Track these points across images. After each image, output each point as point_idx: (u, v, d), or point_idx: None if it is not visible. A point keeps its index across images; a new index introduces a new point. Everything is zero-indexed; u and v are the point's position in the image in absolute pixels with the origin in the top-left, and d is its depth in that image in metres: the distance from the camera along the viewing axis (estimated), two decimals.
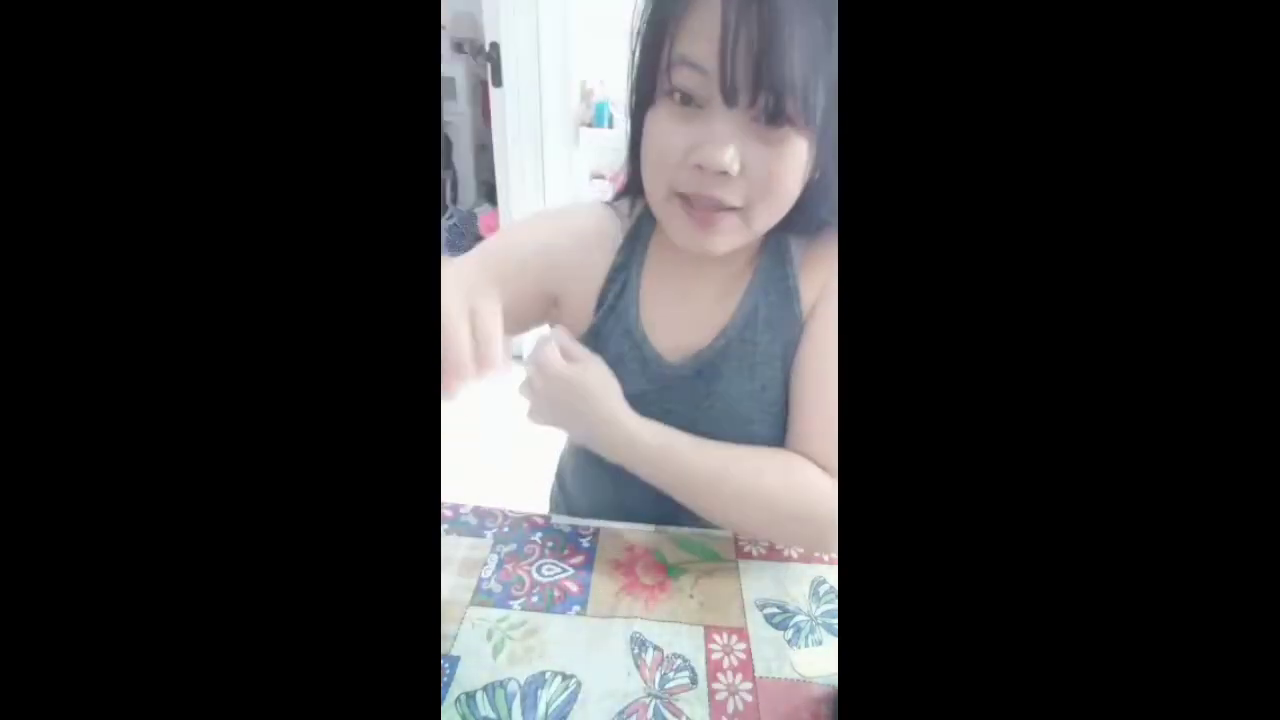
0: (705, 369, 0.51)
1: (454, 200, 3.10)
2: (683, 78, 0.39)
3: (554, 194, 2.07)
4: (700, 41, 0.38)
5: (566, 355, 0.47)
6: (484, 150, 3.12)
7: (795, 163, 0.41)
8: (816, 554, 0.53)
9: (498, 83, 1.95)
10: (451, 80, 3.08)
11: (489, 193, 2.85)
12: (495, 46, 1.90)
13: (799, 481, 0.47)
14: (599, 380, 0.47)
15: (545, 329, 0.57)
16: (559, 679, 0.41)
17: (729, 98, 0.38)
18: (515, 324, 0.56)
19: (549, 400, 0.47)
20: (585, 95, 2.23)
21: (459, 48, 3.04)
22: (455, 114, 3.16)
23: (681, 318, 0.53)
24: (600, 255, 0.54)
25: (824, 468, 0.48)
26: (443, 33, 2.89)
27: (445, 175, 3.13)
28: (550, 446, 0.72)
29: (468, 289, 0.32)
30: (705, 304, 0.52)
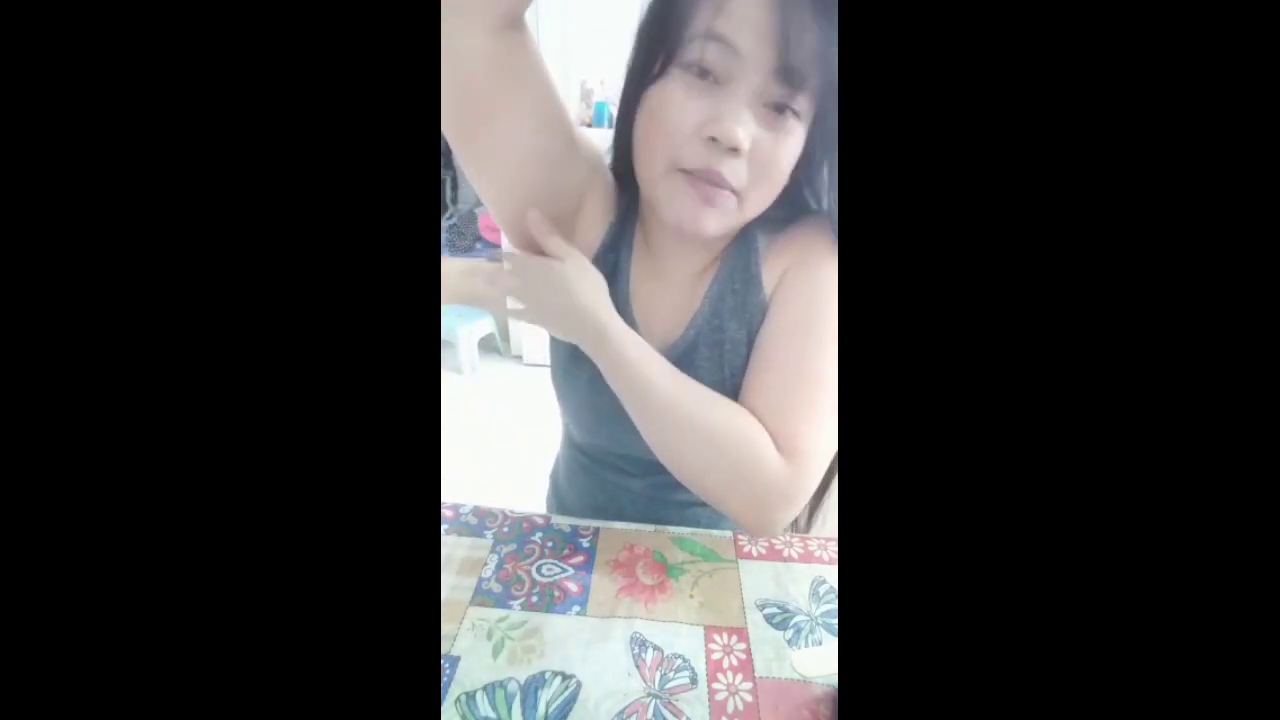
0: (681, 359, 0.52)
1: (454, 200, 3.09)
2: (711, 53, 0.40)
3: None
4: (740, 25, 0.39)
5: (549, 250, 0.48)
6: None
7: (794, 150, 0.43)
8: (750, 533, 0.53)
9: None
10: None
11: None
12: None
13: (753, 439, 0.45)
14: (579, 270, 0.47)
15: None
16: (559, 679, 0.41)
17: (783, 76, 0.39)
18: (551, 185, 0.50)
19: (531, 295, 0.48)
20: (585, 95, 2.23)
21: None
22: None
23: (663, 307, 0.53)
24: (596, 221, 0.52)
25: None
26: None
27: (445, 175, 3.12)
28: (550, 446, 0.72)
29: None
30: (678, 296, 0.53)
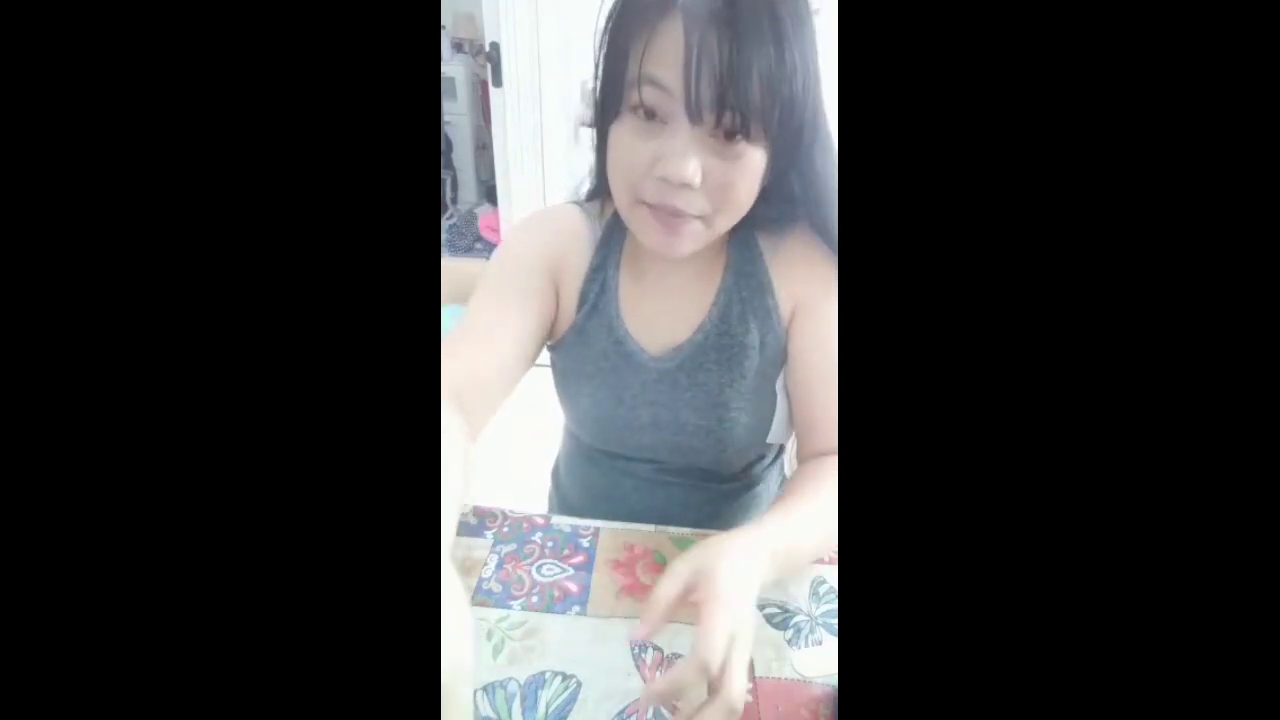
0: (686, 362, 0.53)
1: (454, 200, 3.09)
2: (647, 96, 0.41)
3: (554, 194, 2.07)
4: (664, 63, 0.40)
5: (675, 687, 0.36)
6: (484, 150, 3.12)
7: (751, 173, 0.43)
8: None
9: (498, 83, 1.95)
10: (451, 80, 3.08)
11: (489, 193, 2.85)
12: (495, 46, 1.90)
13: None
14: (728, 629, 0.36)
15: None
16: (559, 679, 0.41)
17: (694, 117, 0.40)
18: (545, 330, 0.56)
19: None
20: (585, 95, 2.23)
21: (459, 48, 3.04)
22: (455, 114, 3.16)
23: (660, 314, 0.55)
24: (577, 255, 0.55)
25: None
26: (443, 33, 2.88)
27: (445, 175, 3.12)
28: (551, 446, 0.72)
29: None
30: (682, 300, 0.54)
